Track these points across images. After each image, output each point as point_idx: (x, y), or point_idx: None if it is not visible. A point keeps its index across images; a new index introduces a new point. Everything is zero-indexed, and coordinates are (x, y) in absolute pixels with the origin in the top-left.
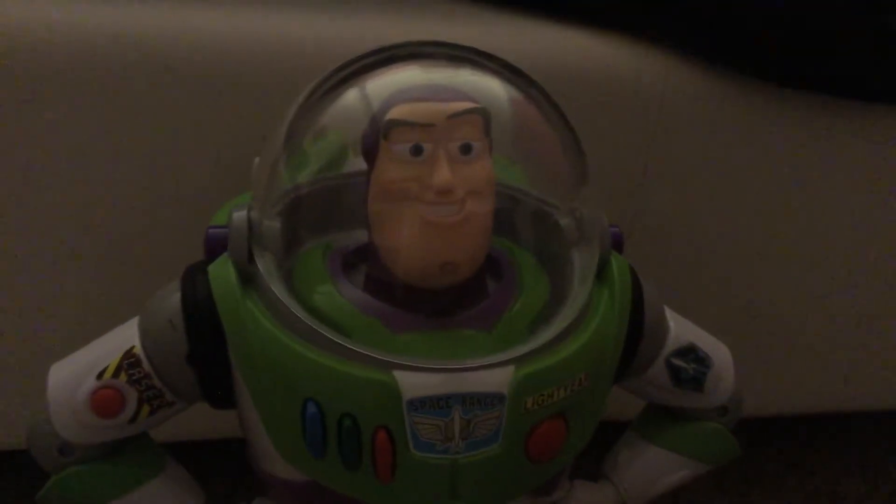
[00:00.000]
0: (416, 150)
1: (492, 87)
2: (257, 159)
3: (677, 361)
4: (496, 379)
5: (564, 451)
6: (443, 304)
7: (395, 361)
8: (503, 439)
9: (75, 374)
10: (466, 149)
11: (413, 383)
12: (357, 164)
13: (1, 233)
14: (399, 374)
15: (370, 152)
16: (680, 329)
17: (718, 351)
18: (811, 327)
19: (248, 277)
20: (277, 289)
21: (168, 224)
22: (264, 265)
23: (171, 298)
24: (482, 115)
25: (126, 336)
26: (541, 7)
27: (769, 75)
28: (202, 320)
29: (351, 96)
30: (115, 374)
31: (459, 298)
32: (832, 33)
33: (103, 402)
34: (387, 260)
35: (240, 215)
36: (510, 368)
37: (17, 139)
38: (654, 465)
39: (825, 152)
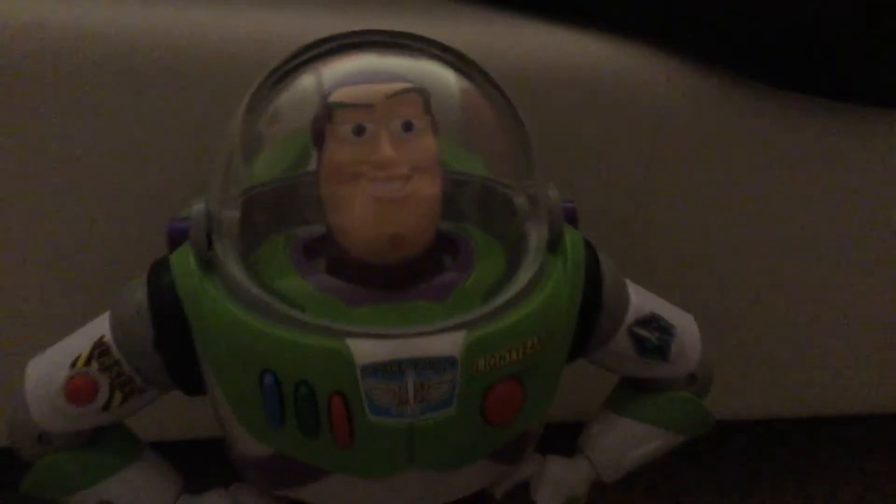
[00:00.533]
0: (359, 130)
1: (429, 69)
2: None
3: (640, 331)
4: (447, 343)
5: (522, 414)
6: (397, 279)
7: (348, 329)
8: (458, 402)
9: (50, 365)
10: (408, 126)
11: (366, 350)
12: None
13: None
14: (352, 342)
15: (318, 138)
16: (641, 300)
17: (683, 320)
18: (810, 330)
19: (208, 264)
20: (234, 269)
21: (152, 224)
22: (222, 249)
23: (137, 289)
24: (420, 94)
25: (98, 327)
26: (540, 8)
27: (770, 78)
28: (166, 306)
29: (297, 86)
30: (87, 363)
31: (414, 274)
32: (834, 36)
33: (77, 390)
34: (340, 239)
35: (199, 207)
36: (461, 333)
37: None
38: (626, 437)
39: (827, 155)
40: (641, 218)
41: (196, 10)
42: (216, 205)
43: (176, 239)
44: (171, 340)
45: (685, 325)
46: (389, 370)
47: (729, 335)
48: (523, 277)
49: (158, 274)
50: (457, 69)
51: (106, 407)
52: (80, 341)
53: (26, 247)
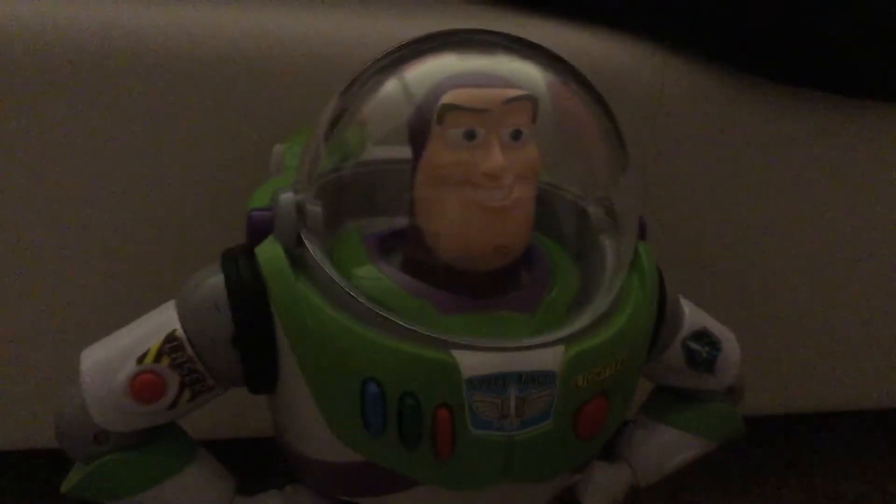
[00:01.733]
0: (470, 135)
1: (537, 75)
2: (277, 146)
3: (693, 345)
4: (548, 358)
5: (606, 429)
6: (484, 287)
7: (455, 341)
8: (554, 416)
9: (111, 358)
10: (517, 135)
11: (472, 362)
12: (391, 151)
13: (3, 228)
14: (458, 354)
15: (419, 137)
16: (693, 313)
17: (726, 334)
18: (811, 325)
19: (295, 261)
20: (329, 270)
21: (177, 219)
22: (314, 249)
23: (213, 280)
24: (532, 102)
25: (164, 319)
26: (538, 5)
27: (768, 72)
28: (249, 302)
29: (395, 83)
30: (157, 359)
31: (499, 282)
32: (833, 30)
33: (144, 387)
34: (435, 243)
35: (286, 197)
36: (560, 348)
37: (19, 137)
38: (666, 444)
39: (826, 149)
40: (643, 212)
41: (208, 8)
42: (302, 197)
43: (259, 230)
44: (251, 337)
45: (728, 339)
46: (494, 383)
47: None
48: (611, 292)
49: (238, 266)
50: (555, 72)
51: (172, 405)
52: (144, 334)
53: (44, 244)
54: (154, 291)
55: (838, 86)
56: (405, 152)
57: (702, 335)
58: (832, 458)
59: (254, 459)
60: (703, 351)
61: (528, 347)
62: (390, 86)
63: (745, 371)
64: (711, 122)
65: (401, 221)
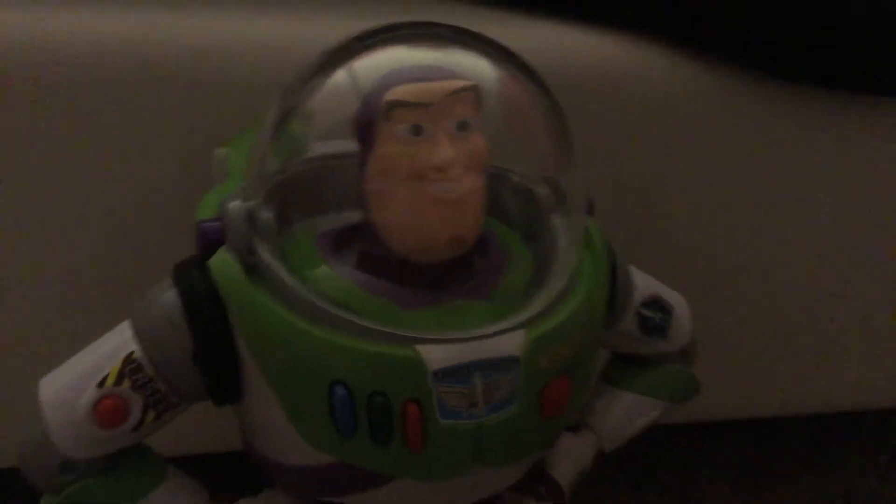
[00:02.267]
0: (416, 130)
1: (480, 64)
2: (218, 150)
3: (645, 312)
4: (510, 343)
5: (571, 406)
6: (440, 277)
7: (418, 336)
8: (519, 399)
9: (71, 385)
10: (463, 126)
11: (436, 355)
12: (335, 147)
13: None
14: (422, 348)
15: (366, 134)
16: (644, 282)
17: (676, 299)
18: (822, 324)
19: (250, 269)
20: (287, 277)
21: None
22: (267, 255)
23: (166, 297)
24: (475, 92)
25: (120, 341)
26: (542, 4)
27: (776, 70)
28: (206, 317)
29: (340, 78)
30: (118, 382)
31: (454, 271)
32: (843, 27)
33: (107, 412)
34: (388, 238)
35: (235, 206)
36: (521, 332)
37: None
38: (628, 409)
39: (834, 148)
40: (647, 212)
41: (199, 16)
42: (253, 203)
43: (211, 240)
44: (211, 352)
45: (679, 303)
46: (459, 374)
47: (739, 330)
48: (565, 272)
49: (191, 279)
50: (498, 61)
51: (137, 427)
52: (101, 357)
53: (25, 255)
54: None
55: (851, 84)
56: (349, 146)
57: (653, 302)
58: (844, 458)
59: (224, 473)
60: (656, 317)
61: (490, 335)
62: (335, 82)
63: (756, 372)
64: (720, 122)
65: (351, 217)
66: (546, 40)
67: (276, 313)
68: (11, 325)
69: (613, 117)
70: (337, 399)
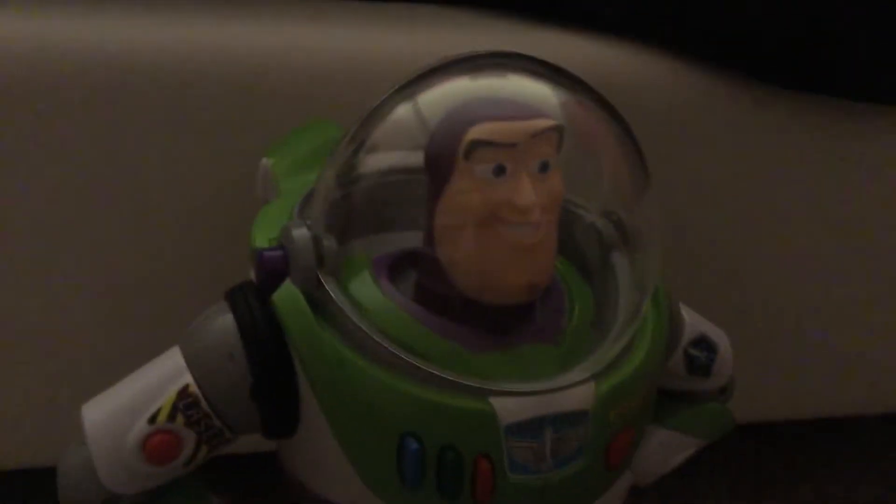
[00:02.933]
0: (499, 170)
1: (559, 99)
2: (264, 160)
3: (693, 351)
4: (580, 396)
5: (633, 456)
6: (506, 320)
7: (492, 388)
8: (586, 453)
9: (118, 416)
10: (544, 167)
11: (509, 408)
12: (392, 161)
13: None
14: (496, 401)
15: (440, 170)
16: (692, 320)
17: (721, 336)
18: (824, 330)
19: (314, 305)
20: (355, 316)
21: (165, 247)
22: (334, 292)
23: (224, 329)
24: (559, 132)
25: (173, 371)
26: (541, 12)
27: (780, 79)
28: (267, 351)
29: (415, 111)
30: (171, 418)
31: (517, 312)
32: (840, 35)
33: (159, 448)
34: (457, 278)
35: (302, 235)
36: (591, 384)
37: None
38: (664, 446)
39: (835, 154)
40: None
41: (206, 26)
42: (317, 232)
43: (272, 271)
44: (270, 388)
45: (723, 341)
46: (531, 428)
47: (741, 337)
48: (631, 319)
49: (251, 313)
50: (574, 93)
51: (189, 462)
52: (152, 388)
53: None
54: (146, 324)
55: (852, 92)
56: (407, 160)
57: (700, 341)
58: (846, 464)
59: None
60: (702, 356)
61: (562, 388)
62: (407, 114)
63: (757, 377)
64: (724, 130)
65: (407, 241)
66: (545, 48)
67: (346, 358)
68: (47, 336)
69: None
70: (408, 452)
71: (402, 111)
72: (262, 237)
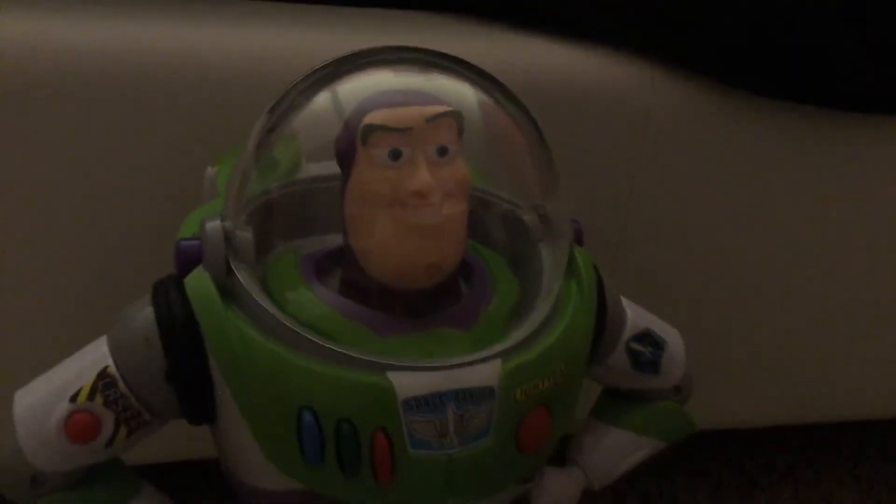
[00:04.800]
0: (395, 155)
1: (463, 91)
2: (209, 169)
3: (636, 346)
4: (485, 373)
5: (549, 440)
6: (421, 305)
7: (389, 363)
8: (494, 432)
9: (45, 398)
10: (443, 151)
11: (408, 383)
12: (322, 168)
13: None
14: (393, 375)
15: (345, 157)
16: (635, 315)
17: (670, 333)
18: (804, 337)
19: (225, 290)
20: (262, 300)
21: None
22: (244, 277)
23: (143, 314)
24: (456, 118)
25: (97, 356)
26: (524, 20)
27: (755, 86)
28: (180, 335)
29: (323, 101)
30: (91, 397)
31: (436, 299)
32: (820, 44)
33: (79, 427)
34: (367, 263)
35: (213, 226)
36: (497, 362)
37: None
38: (617, 447)
39: (814, 163)
40: (627, 224)
41: (197, 28)
42: (231, 223)
43: (188, 259)
44: (185, 371)
45: (673, 338)
46: (431, 403)
47: (721, 343)
48: (547, 302)
49: (167, 298)
50: (482, 88)
51: (109, 443)
52: (76, 372)
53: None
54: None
55: (826, 100)
56: (335, 168)
57: (644, 336)
58: (827, 469)
59: (196, 481)
60: (647, 351)
61: (464, 364)
62: (318, 103)
63: (735, 381)
64: (699, 136)
65: (334, 240)
66: (525, 55)
67: (246, 334)
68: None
69: (592, 132)
70: (304, 425)
71: (317, 103)
72: (187, 232)
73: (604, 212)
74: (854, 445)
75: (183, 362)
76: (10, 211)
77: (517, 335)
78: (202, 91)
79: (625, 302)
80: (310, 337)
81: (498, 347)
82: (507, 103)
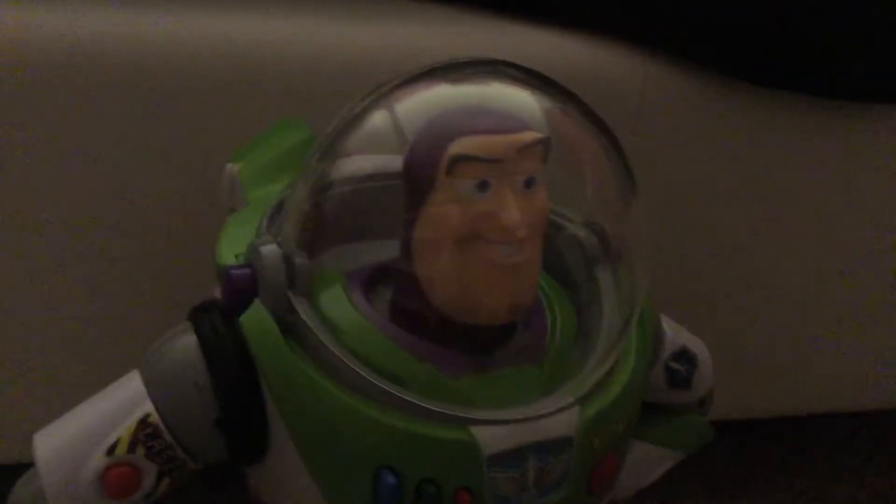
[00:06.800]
0: (483, 187)
1: (545, 110)
2: (229, 165)
3: (674, 365)
4: (564, 422)
5: (616, 479)
6: (486, 338)
7: (473, 417)
8: (570, 481)
9: (74, 446)
10: (530, 182)
11: (492, 437)
12: (365, 163)
13: None
14: (477, 431)
15: (420, 181)
16: (673, 332)
17: (700, 347)
18: (796, 329)
19: (285, 327)
20: (330, 342)
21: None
22: (307, 315)
23: (188, 353)
24: (545, 145)
25: (132, 398)
26: (515, 9)
27: (749, 75)
28: (237, 380)
29: (392, 120)
30: (131, 449)
31: (499, 332)
32: (813, 32)
33: (118, 482)
34: (434, 296)
35: (272, 252)
36: (576, 409)
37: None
38: (642, 460)
39: (809, 152)
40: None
41: (203, 18)
42: (288, 249)
43: (240, 291)
44: (239, 418)
45: (702, 352)
46: (514, 458)
47: (716, 335)
48: (615, 339)
49: (218, 338)
50: (559, 103)
51: (150, 495)
52: (109, 416)
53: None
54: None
55: (820, 88)
56: (379, 164)
57: (682, 354)
58: (820, 460)
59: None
60: (683, 370)
61: (546, 415)
62: (385, 123)
63: (732, 375)
64: (693, 125)
65: (382, 253)
66: (516, 43)
67: (319, 385)
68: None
69: None
70: (385, 486)
71: (379, 120)
72: (229, 252)
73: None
74: (848, 437)
75: (238, 409)
76: (9, 210)
77: (590, 377)
78: (216, 83)
79: (663, 319)
80: (391, 390)
81: (573, 391)
82: (585, 120)
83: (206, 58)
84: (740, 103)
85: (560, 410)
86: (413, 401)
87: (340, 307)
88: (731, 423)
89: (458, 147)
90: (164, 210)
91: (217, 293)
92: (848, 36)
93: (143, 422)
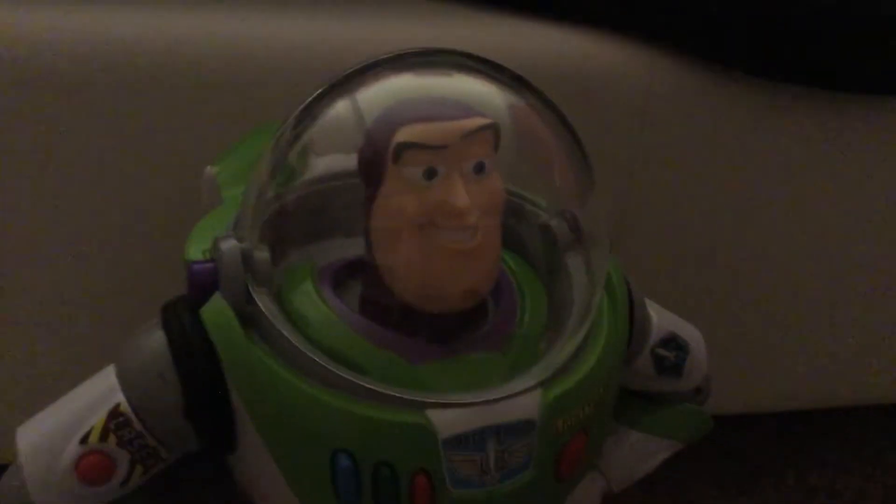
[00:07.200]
0: (430, 174)
1: (496, 97)
2: (208, 168)
3: (661, 351)
4: (526, 405)
5: (587, 463)
6: (450, 326)
7: (428, 401)
8: (534, 464)
9: (51, 438)
10: (479, 168)
11: (448, 421)
12: (333, 163)
13: None
14: (433, 414)
15: (371, 171)
16: (660, 318)
17: (693, 335)
18: (805, 322)
19: (245, 318)
20: (287, 331)
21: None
22: (265, 305)
23: (155, 346)
24: (494, 130)
25: (105, 390)
26: (520, 4)
27: (756, 69)
28: (199, 371)
29: (344, 110)
30: (103, 437)
31: (464, 318)
32: (821, 25)
33: (91, 470)
34: (393, 283)
35: (230, 247)
36: (537, 393)
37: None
38: (637, 449)
39: (816, 146)
40: (627, 213)
41: (195, 21)
42: (248, 243)
43: (203, 285)
44: (205, 407)
45: (695, 340)
46: (472, 441)
47: (724, 331)
48: (582, 321)
49: (182, 329)
50: (512, 90)
51: (125, 482)
52: (84, 408)
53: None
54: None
55: (827, 82)
56: (344, 163)
57: (670, 341)
58: (830, 455)
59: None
60: (672, 356)
61: (504, 398)
62: (337, 113)
63: (742, 369)
64: (700, 120)
65: (351, 248)
66: (521, 39)
67: (275, 372)
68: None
69: (591, 116)
70: (341, 470)
71: (338, 111)
72: (196, 249)
73: (603, 196)
74: (857, 431)
75: (203, 399)
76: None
77: (554, 360)
78: (200, 86)
79: (648, 304)
80: (343, 374)
81: (536, 374)
82: (540, 106)
83: (198, 60)
84: (747, 98)
85: (520, 393)
86: (368, 386)
87: (308, 300)
88: (741, 419)
89: (402, 135)
90: (149, 209)
91: None
92: (860, 28)
93: (114, 411)
